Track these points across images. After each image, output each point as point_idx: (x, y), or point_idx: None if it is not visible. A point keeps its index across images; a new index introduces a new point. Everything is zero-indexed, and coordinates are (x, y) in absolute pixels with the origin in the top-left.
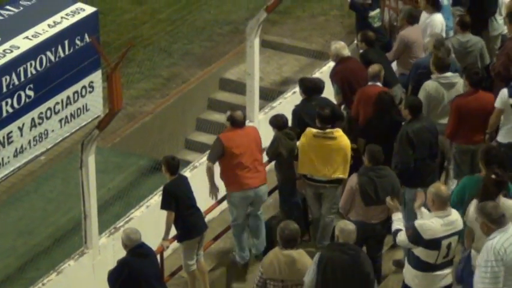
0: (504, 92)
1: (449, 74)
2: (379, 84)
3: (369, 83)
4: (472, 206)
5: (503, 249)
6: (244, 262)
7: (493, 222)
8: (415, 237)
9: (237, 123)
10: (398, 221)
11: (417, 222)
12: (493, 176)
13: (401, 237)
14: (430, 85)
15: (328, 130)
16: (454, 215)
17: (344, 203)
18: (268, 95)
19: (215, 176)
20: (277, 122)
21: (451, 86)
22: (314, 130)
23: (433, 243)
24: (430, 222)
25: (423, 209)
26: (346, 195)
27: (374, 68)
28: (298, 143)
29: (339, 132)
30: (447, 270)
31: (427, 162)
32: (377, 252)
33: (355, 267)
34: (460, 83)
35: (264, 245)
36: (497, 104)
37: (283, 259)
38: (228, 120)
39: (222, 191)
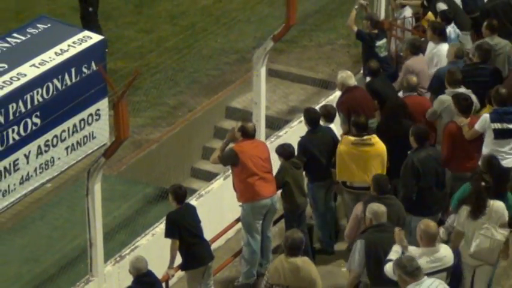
0: (486, 116)
1: (462, 89)
2: (415, 94)
3: (404, 94)
4: (463, 210)
5: None
6: (253, 281)
7: (408, 274)
8: None
9: (248, 134)
10: (394, 252)
11: (404, 257)
12: (483, 184)
13: (389, 268)
14: (443, 99)
15: (365, 137)
16: (443, 251)
17: (349, 231)
18: (274, 124)
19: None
20: (283, 151)
21: None
22: (352, 138)
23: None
24: (416, 258)
25: (410, 248)
26: (352, 223)
27: (412, 79)
28: (337, 150)
29: (375, 138)
30: None
31: (433, 191)
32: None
33: None
34: (473, 98)
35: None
36: (478, 126)
37: (288, 266)
38: (239, 131)
39: (227, 218)
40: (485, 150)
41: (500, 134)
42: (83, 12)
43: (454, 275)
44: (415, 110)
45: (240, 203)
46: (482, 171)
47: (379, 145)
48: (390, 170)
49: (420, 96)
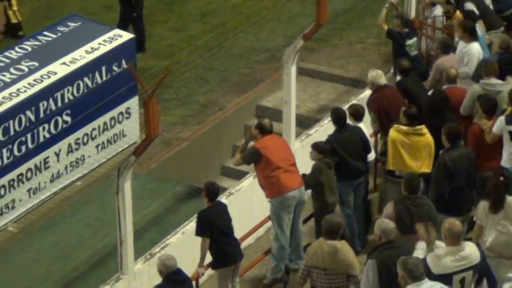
0: (501, 119)
1: (496, 81)
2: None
3: (444, 87)
4: (482, 204)
5: None
6: (281, 276)
7: (412, 278)
8: (424, 269)
9: (266, 130)
10: (420, 250)
11: (429, 256)
12: (501, 178)
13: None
14: (475, 89)
15: (417, 127)
16: (469, 249)
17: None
18: (305, 123)
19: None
20: (320, 149)
21: (496, 93)
22: (404, 127)
23: (444, 279)
24: (442, 258)
25: (438, 243)
26: None
27: (451, 71)
28: (388, 139)
29: (425, 129)
30: None
31: (465, 191)
32: None
33: (408, 254)
34: (505, 92)
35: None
36: (495, 129)
37: (327, 249)
38: (257, 128)
39: (257, 216)
40: (505, 153)
41: None
42: (126, 18)
43: (486, 276)
44: (455, 102)
45: (269, 199)
46: (502, 167)
47: (428, 136)
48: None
49: (461, 88)
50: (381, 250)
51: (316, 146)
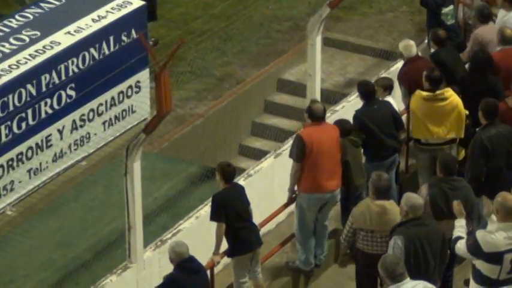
0: None
1: None
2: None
3: (499, 48)
4: None
5: None
6: (310, 268)
7: (391, 278)
8: (475, 248)
9: (316, 117)
10: (460, 228)
11: (478, 233)
12: None
13: (461, 246)
14: None
15: (438, 92)
16: None
17: None
18: (331, 98)
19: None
20: (341, 127)
21: None
22: (424, 93)
23: (494, 257)
24: (493, 234)
25: (493, 218)
26: None
27: (508, 31)
28: (410, 106)
29: (449, 92)
30: None
31: (503, 172)
32: (448, 270)
33: (437, 234)
34: None
35: (324, 255)
36: None
37: (375, 209)
38: (307, 112)
39: (278, 200)
40: None
41: None
42: None
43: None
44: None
45: (297, 191)
46: None
47: (453, 98)
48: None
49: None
50: (408, 226)
51: (338, 123)
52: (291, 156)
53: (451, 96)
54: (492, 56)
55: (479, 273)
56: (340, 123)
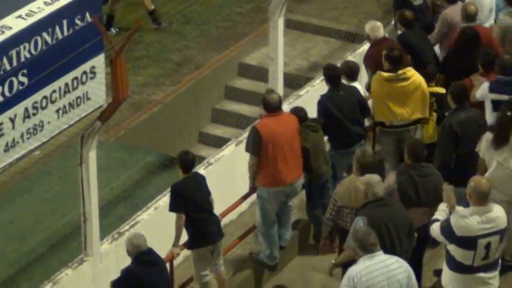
0: (485, 85)
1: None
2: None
3: (462, 25)
4: (486, 137)
5: (359, 276)
6: (274, 263)
7: (363, 249)
8: (448, 232)
9: (271, 107)
10: (441, 211)
11: (453, 216)
12: (509, 113)
13: (436, 228)
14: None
15: (400, 71)
16: (496, 211)
17: None
18: (294, 82)
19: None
20: (296, 115)
21: None
22: (385, 74)
23: (467, 242)
24: (466, 219)
25: (458, 208)
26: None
27: (471, 8)
28: (371, 89)
29: (411, 72)
30: (490, 274)
31: (473, 158)
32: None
33: (400, 214)
34: None
35: (289, 235)
36: (478, 93)
37: (360, 186)
38: (262, 104)
39: (240, 189)
40: (488, 121)
41: (497, 106)
42: None
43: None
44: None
45: (255, 185)
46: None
47: (416, 77)
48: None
49: (482, 27)
50: (370, 207)
51: (293, 112)
52: (247, 149)
53: (413, 76)
54: (479, 32)
55: (452, 259)
56: (295, 111)
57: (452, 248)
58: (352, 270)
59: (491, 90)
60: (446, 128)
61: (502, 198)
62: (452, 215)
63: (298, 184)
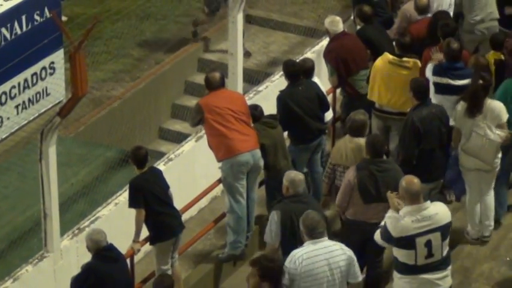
0: (429, 66)
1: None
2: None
3: (418, 18)
4: (460, 107)
5: (301, 260)
6: (240, 251)
7: (309, 235)
8: (385, 234)
9: (213, 85)
10: (388, 218)
11: (387, 219)
12: (481, 81)
13: (377, 234)
14: None
15: (404, 59)
16: (433, 209)
17: (341, 200)
18: (253, 78)
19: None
20: (251, 113)
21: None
22: (391, 56)
23: (405, 242)
24: (401, 219)
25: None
26: (343, 191)
27: (422, 0)
28: (373, 66)
29: (416, 64)
30: (437, 275)
31: (436, 154)
32: (377, 256)
33: (314, 210)
34: None
35: (252, 232)
36: (426, 72)
37: (350, 146)
38: (204, 83)
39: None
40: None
41: (439, 89)
42: None
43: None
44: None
45: (219, 165)
46: (482, 70)
47: (416, 70)
48: None
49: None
50: (286, 202)
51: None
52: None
53: (415, 68)
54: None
55: (397, 261)
56: (250, 109)
57: (395, 250)
58: (296, 253)
59: (434, 72)
60: (408, 124)
61: (477, 167)
62: (387, 217)
63: (259, 155)
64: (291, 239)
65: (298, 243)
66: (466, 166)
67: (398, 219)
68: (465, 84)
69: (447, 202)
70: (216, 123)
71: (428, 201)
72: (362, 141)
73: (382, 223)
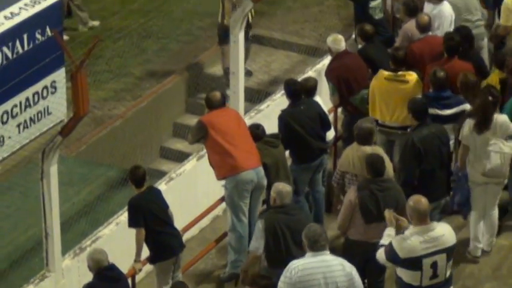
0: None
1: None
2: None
3: (420, 36)
4: (467, 124)
5: (296, 270)
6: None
7: (310, 247)
8: (392, 255)
9: (213, 105)
10: (387, 236)
11: (394, 239)
12: (490, 98)
13: (381, 253)
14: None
15: (400, 73)
16: (440, 229)
17: (342, 220)
18: (255, 97)
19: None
20: (252, 133)
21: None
22: (386, 72)
23: (412, 263)
24: (408, 239)
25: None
26: (344, 212)
27: (424, 18)
28: (371, 84)
29: (412, 76)
30: None
31: (436, 174)
32: (379, 276)
33: (301, 224)
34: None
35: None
36: None
37: (357, 154)
38: (205, 103)
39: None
40: None
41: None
42: None
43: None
44: (435, 52)
45: (223, 183)
46: (490, 85)
47: (414, 83)
48: None
49: (437, 36)
50: (272, 212)
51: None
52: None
53: (413, 81)
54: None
55: (401, 281)
56: (250, 129)
57: (399, 270)
58: (293, 263)
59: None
60: (408, 144)
61: (487, 180)
62: (394, 237)
63: (262, 174)
64: (274, 248)
65: (284, 253)
66: (476, 181)
67: (405, 239)
68: (453, 113)
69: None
70: (220, 139)
71: (435, 222)
72: (369, 149)
73: (384, 241)
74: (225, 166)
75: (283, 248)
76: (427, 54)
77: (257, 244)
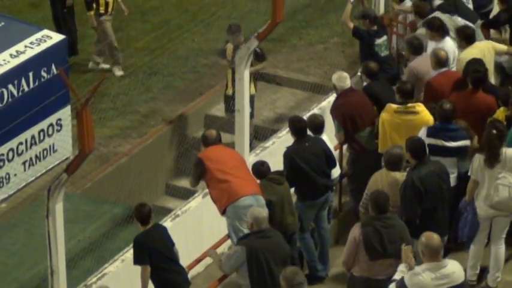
0: (423, 129)
1: None
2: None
3: (436, 72)
4: (477, 159)
5: None
6: None
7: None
8: None
9: (209, 142)
10: (400, 272)
11: (406, 276)
12: (494, 131)
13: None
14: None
15: (409, 105)
16: (451, 267)
17: (347, 257)
18: (260, 134)
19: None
20: (256, 170)
21: None
22: (395, 106)
23: None
24: (420, 276)
25: (402, 268)
26: (349, 248)
27: (441, 53)
28: (379, 119)
29: (421, 107)
30: None
31: (438, 212)
32: None
33: (279, 246)
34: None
35: None
36: (420, 133)
37: (386, 179)
38: (201, 141)
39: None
40: None
41: (434, 151)
42: (55, 13)
43: None
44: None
45: (224, 215)
46: (495, 119)
47: (425, 114)
48: None
49: (456, 72)
50: (251, 238)
51: (253, 167)
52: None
53: (423, 112)
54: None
55: None
56: (255, 166)
57: None
58: None
59: (428, 134)
60: (408, 184)
61: (496, 214)
62: (406, 273)
63: (262, 202)
64: (258, 274)
65: (268, 276)
66: (485, 216)
67: (417, 275)
68: (459, 146)
69: None
70: (217, 170)
71: (446, 259)
72: (398, 175)
73: (396, 276)
74: (223, 196)
75: (265, 270)
76: (446, 89)
77: (229, 268)
